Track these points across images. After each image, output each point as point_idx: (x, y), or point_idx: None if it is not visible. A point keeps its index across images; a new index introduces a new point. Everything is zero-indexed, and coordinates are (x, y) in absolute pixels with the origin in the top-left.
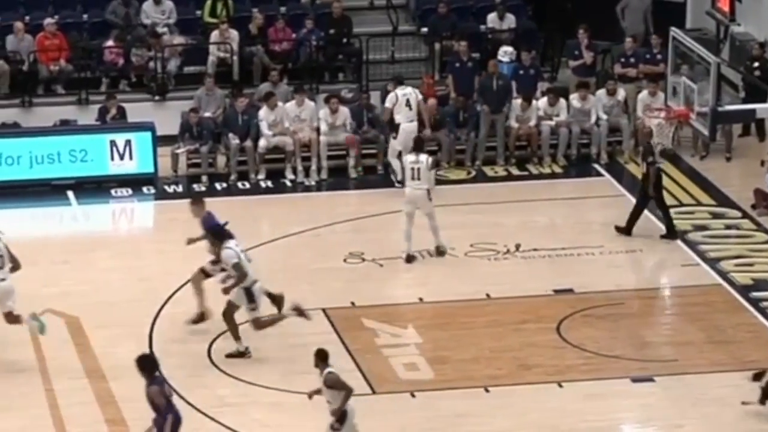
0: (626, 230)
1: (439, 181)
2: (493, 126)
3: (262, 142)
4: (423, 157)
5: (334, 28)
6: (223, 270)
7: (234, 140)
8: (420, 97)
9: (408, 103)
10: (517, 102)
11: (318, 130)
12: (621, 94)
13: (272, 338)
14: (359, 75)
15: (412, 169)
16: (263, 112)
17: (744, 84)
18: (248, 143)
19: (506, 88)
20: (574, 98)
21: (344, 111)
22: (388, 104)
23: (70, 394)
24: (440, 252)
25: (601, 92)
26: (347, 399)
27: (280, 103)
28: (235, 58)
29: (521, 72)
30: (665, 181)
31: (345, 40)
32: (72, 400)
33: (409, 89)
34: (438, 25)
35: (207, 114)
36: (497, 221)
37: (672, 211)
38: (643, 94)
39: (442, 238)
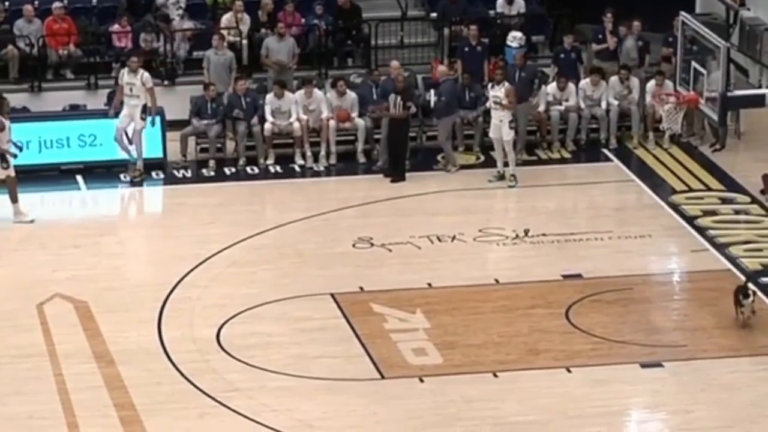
0: None
1: None
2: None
3: (267, 125)
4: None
5: (342, 19)
6: None
7: (240, 120)
8: None
9: None
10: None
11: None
12: (634, 82)
13: (282, 323)
14: (368, 60)
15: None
16: (269, 98)
17: None
18: (256, 128)
19: (529, 79)
20: (586, 84)
21: (351, 95)
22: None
23: (79, 379)
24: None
25: (614, 79)
26: None
27: (287, 93)
28: (245, 42)
29: (562, 55)
30: (675, 166)
31: (354, 31)
32: (81, 384)
33: None
34: (447, 10)
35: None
36: (506, 206)
37: (681, 196)
38: (651, 83)
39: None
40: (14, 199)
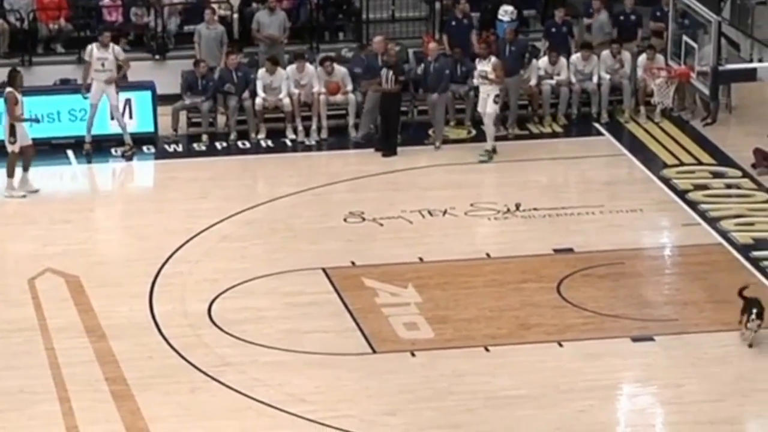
0: None
1: None
2: (506, 93)
3: (258, 100)
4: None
5: None
6: None
7: (231, 95)
8: None
9: None
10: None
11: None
12: (626, 56)
13: (273, 298)
14: (359, 34)
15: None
16: (261, 73)
17: None
18: (247, 102)
19: (520, 53)
20: (577, 59)
21: (341, 70)
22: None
23: (70, 354)
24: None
25: (606, 53)
26: None
27: (279, 69)
28: (236, 16)
29: (553, 29)
30: (666, 140)
31: (345, 5)
32: (72, 359)
33: None
34: None
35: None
36: (497, 181)
37: (672, 170)
38: (642, 57)
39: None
40: (10, 174)
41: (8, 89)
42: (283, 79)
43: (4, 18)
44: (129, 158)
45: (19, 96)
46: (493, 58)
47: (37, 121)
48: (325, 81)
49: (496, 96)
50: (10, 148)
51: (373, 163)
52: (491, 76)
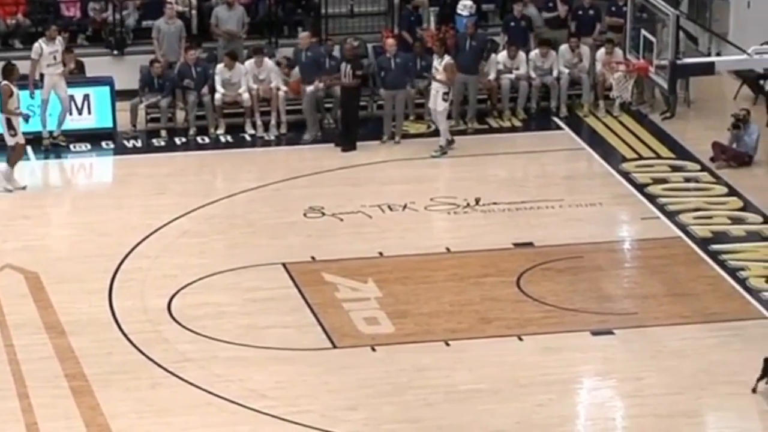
0: None
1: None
2: (465, 88)
3: (217, 95)
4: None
5: None
6: None
7: (190, 90)
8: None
9: None
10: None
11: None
12: (584, 50)
13: (233, 293)
14: (318, 29)
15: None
16: (219, 69)
17: None
18: (206, 97)
19: (480, 47)
20: (535, 55)
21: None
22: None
23: (30, 350)
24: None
25: (564, 47)
26: None
27: (238, 65)
28: (194, 11)
29: (512, 24)
30: (625, 134)
31: (304, 0)
32: (32, 355)
33: None
34: None
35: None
36: (457, 175)
37: (631, 164)
38: (601, 51)
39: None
40: (12, 165)
41: (4, 82)
42: (242, 74)
43: None
44: (48, 149)
45: (15, 89)
46: (446, 58)
47: (28, 116)
48: (285, 80)
49: (445, 94)
50: (12, 141)
51: (333, 158)
52: (439, 76)
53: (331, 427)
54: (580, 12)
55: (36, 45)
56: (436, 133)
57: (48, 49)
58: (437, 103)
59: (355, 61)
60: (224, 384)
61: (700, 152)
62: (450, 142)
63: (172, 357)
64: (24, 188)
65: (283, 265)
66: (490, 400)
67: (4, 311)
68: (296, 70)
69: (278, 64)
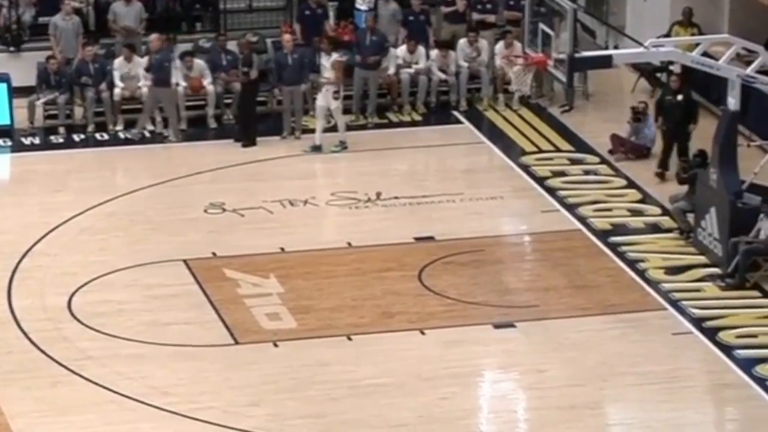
0: None
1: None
2: (365, 83)
3: (116, 90)
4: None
5: None
6: None
7: (88, 86)
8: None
9: None
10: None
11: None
12: (483, 44)
13: (134, 290)
14: (217, 24)
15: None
16: (118, 63)
17: None
18: (105, 93)
19: (379, 43)
20: (436, 56)
21: (199, 64)
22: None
23: None
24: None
25: (463, 42)
26: None
27: (136, 57)
28: (91, 7)
29: (411, 18)
30: (524, 127)
31: None
32: None
33: None
34: None
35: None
36: (357, 170)
37: (531, 158)
38: (500, 45)
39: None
40: None
41: None
42: (141, 68)
43: None
44: None
45: None
46: (334, 55)
47: None
48: (185, 76)
49: (335, 92)
50: None
51: (233, 154)
52: (327, 73)
53: (234, 423)
54: (479, 6)
55: None
56: (335, 128)
57: None
58: (330, 101)
59: (246, 58)
60: (126, 381)
61: (598, 145)
62: (317, 148)
63: (73, 355)
64: None
65: (184, 261)
66: (393, 394)
67: None
68: (197, 65)
69: (182, 57)
